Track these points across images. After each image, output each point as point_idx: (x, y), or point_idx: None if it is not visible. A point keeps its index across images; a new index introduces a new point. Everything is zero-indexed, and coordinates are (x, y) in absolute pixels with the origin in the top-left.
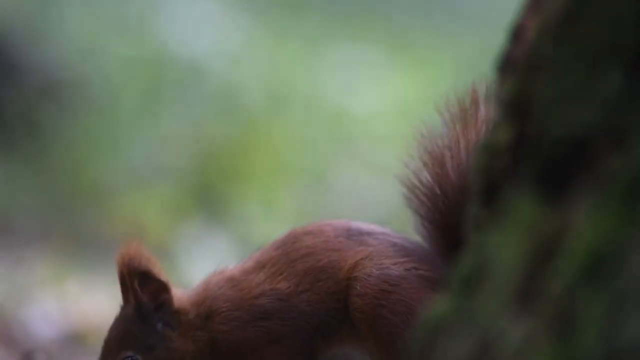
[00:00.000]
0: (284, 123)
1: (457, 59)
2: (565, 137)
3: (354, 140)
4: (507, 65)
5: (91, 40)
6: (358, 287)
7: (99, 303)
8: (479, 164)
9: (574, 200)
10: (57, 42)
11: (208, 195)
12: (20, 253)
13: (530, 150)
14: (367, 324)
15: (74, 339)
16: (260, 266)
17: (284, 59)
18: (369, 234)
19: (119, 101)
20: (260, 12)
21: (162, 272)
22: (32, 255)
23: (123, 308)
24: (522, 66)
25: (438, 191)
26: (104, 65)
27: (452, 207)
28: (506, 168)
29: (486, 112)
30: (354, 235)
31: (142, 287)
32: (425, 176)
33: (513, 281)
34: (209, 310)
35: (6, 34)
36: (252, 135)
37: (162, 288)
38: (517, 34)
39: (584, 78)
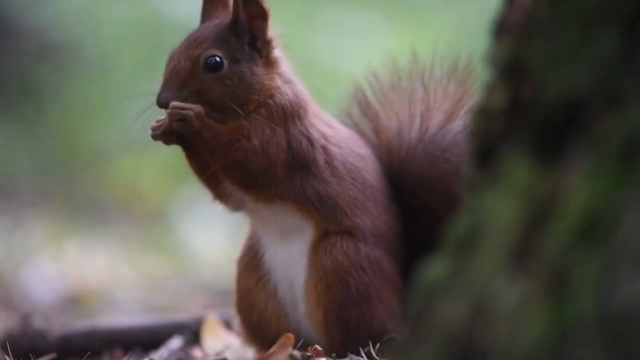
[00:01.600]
0: None
1: (455, 23)
2: (560, 99)
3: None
4: (503, 28)
5: (87, 3)
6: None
7: (96, 266)
8: (475, 126)
9: (569, 162)
10: (53, 5)
11: None
12: (18, 216)
13: (525, 113)
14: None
15: (72, 302)
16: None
17: (281, 21)
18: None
19: (116, 63)
20: None
21: (268, 3)
22: (30, 218)
23: (210, 20)
24: (517, 30)
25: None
26: (100, 29)
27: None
28: (501, 130)
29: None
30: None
31: (243, 3)
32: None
33: (508, 242)
34: (294, 95)
35: None
36: None
37: (262, 14)
38: None
39: (579, 40)
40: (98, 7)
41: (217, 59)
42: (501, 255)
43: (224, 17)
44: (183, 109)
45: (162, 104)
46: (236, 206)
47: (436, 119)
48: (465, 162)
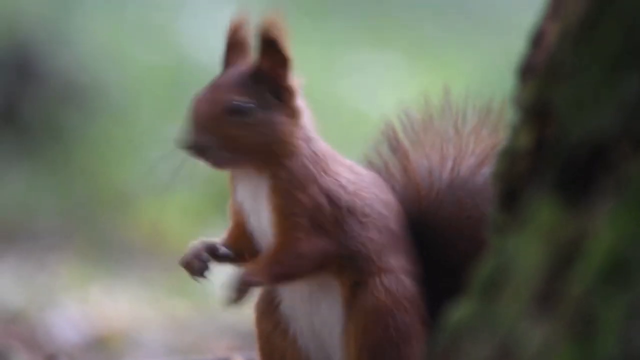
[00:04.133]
0: None
1: (477, 64)
2: (585, 141)
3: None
4: (527, 70)
5: (113, 46)
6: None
7: (121, 307)
8: (500, 167)
9: (594, 205)
10: (79, 48)
11: (228, 200)
12: (43, 257)
13: (549, 155)
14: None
15: (96, 343)
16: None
17: (304, 64)
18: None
19: (140, 106)
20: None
21: (289, 49)
22: (55, 259)
23: (234, 66)
24: (542, 71)
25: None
26: (126, 71)
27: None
28: (526, 172)
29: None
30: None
31: (267, 53)
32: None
33: (533, 284)
34: (316, 150)
35: (30, 39)
36: None
37: (284, 62)
38: (537, 39)
39: (603, 82)
40: (122, 50)
41: (242, 103)
42: (526, 297)
43: (246, 64)
44: (238, 287)
45: (188, 147)
46: None
47: (468, 162)
48: (491, 204)
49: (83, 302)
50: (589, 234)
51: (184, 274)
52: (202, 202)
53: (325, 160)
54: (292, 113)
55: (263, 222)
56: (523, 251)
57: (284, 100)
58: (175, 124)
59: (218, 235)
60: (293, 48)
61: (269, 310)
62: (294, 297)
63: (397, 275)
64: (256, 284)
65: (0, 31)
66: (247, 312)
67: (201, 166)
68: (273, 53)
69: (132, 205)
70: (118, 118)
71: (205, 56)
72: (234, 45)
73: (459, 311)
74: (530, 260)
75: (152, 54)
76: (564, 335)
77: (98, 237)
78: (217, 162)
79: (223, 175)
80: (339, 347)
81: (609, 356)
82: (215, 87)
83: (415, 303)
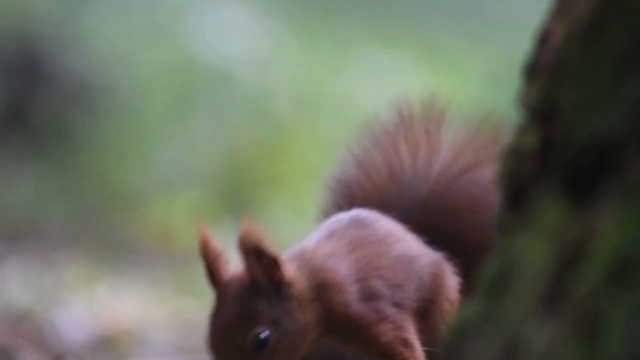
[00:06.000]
0: (313, 128)
1: (485, 65)
2: (592, 142)
3: None
4: (534, 70)
5: (121, 47)
6: (448, 294)
7: (128, 306)
8: (506, 168)
9: (600, 205)
10: (87, 49)
11: (236, 200)
12: (50, 257)
13: (556, 155)
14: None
15: (104, 343)
16: (355, 245)
17: (312, 64)
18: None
19: (148, 107)
20: (289, 18)
21: (274, 247)
22: (63, 259)
23: (227, 287)
24: (548, 71)
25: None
26: (134, 72)
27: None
28: (532, 172)
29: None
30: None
31: (255, 263)
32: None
33: (539, 285)
34: (322, 283)
35: (38, 41)
36: (281, 141)
37: (275, 263)
38: (543, 39)
39: (610, 83)
40: (131, 51)
41: (262, 335)
42: (532, 297)
43: (237, 281)
44: None
45: None
46: None
47: (438, 163)
48: (496, 204)
49: (90, 301)
50: (595, 235)
51: (192, 273)
52: (210, 201)
53: (336, 283)
54: (299, 299)
55: None
56: (529, 251)
57: (288, 297)
58: (183, 124)
59: (226, 235)
60: (302, 46)
61: None
62: None
63: None
64: None
65: (9, 32)
66: None
67: (209, 165)
68: (260, 259)
69: (140, 205)
70: (127, 119)
71: (214, 58)
72: (211, 261)
73: (465, 311)
74: (536, 260)
75: (161, 55)
76: (569, 335)
77: (106, 236)
78: None
79: (230, 174)
80: None
81: (615, 356)
82: (225, 324)
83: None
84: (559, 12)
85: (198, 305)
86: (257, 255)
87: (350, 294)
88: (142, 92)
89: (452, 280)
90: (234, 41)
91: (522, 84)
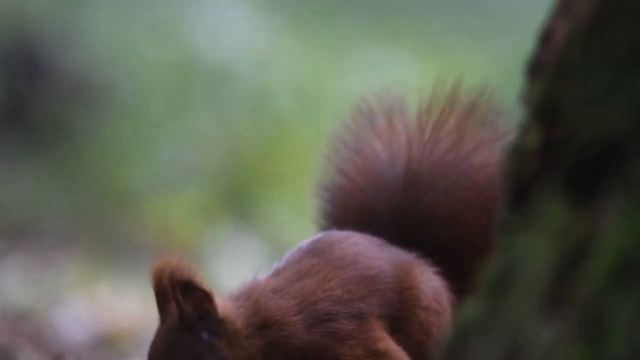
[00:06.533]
0: (313, 125)
1: (487, 62)
2: (594, 140)
3: None
4: (536, 68)
5: (122, 44)
6: (421, 302)
7: (128, 305)
8: (508, 167)
9: (603, 204)
10: (88, 46)
11: (237, 198)
12: (50, 256)
13: (559, 154)
14: (425, 334)
15: (104, 342)
16: (303, 274)
17: (312, 61)
18: (387, 244)
19: (148, 104)
20: (289, 15)
21: (205, 281)
22: (63, 257)
23: (162, 321)
24: (551, 70)
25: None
26: (134, 69)
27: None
28: (535, 171)
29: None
30: (383, 245)
31: (184, 297)
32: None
33: (542, 284)
34: (263, 320)
35: (38, 38)
36: (281, 138)
37: (205, 297)
38: (546, 37)
39: (613, 81)
40: (131, 49)
41: None
42: (535, 296)
43: (172, 316)
44: None
45: None
46: None
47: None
48: (499, 203)
49: (90, 300)
50: (598, 234)
51: None
52: (209, 199)
53: (277, 319)
54: (232, 336)
55: None
56: (532, 250)
57: (220, 333)
58: (183, 121)
59: (225, 232)
60: (303, 43)
61: None
62: None
63: None
64: None
65: (9, 30)
66: None
67: (209, 163)
68: (192, 294)
69: (140, 203)
70: (127, 116)
71: (214, 55)
72: (161, 294)
73: (467, 311)
74: (539, 260)
75: (161, 53)
76: (573, 335)
77: (105, 235)
78: None
79: (230, 172)
80: None
81: (619, 356)
82: (152, 356)
83: None
84: (561, 10)
85: None
86: (183, 290)
87: (295, 325)
88: (142, 90)
89: (427, 286)
90: (233, 38)
91: (525, 83)
